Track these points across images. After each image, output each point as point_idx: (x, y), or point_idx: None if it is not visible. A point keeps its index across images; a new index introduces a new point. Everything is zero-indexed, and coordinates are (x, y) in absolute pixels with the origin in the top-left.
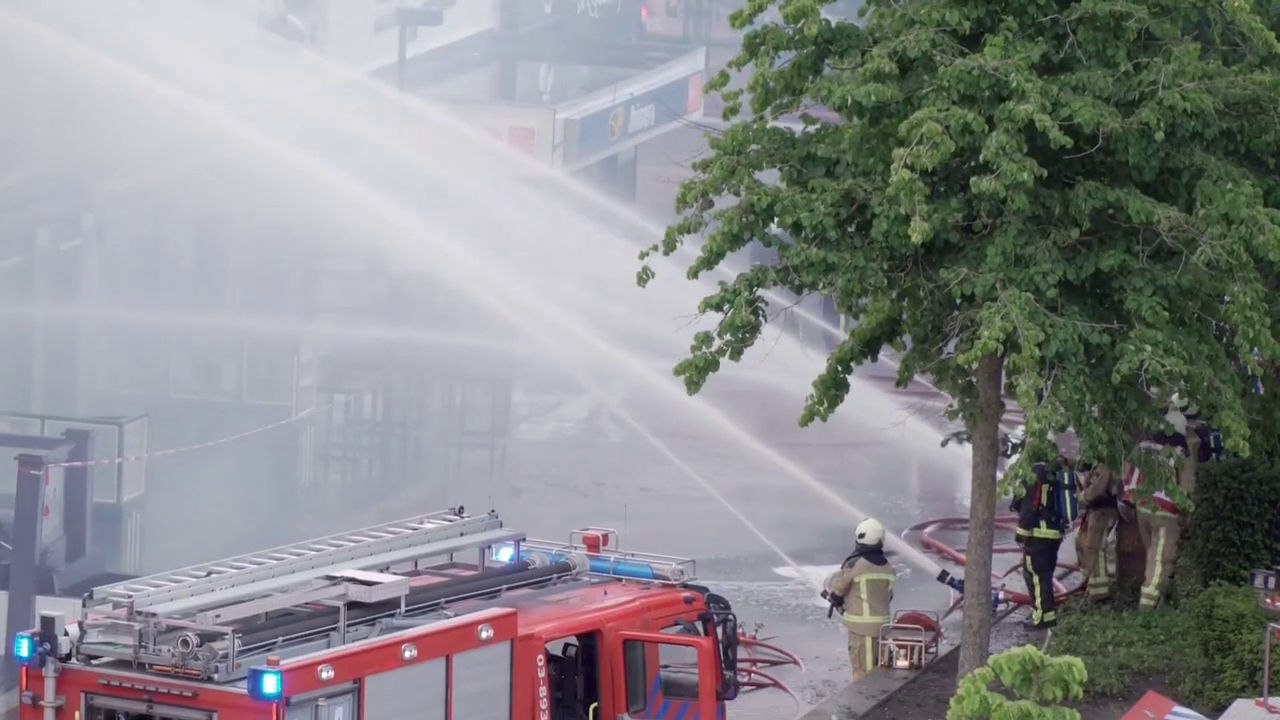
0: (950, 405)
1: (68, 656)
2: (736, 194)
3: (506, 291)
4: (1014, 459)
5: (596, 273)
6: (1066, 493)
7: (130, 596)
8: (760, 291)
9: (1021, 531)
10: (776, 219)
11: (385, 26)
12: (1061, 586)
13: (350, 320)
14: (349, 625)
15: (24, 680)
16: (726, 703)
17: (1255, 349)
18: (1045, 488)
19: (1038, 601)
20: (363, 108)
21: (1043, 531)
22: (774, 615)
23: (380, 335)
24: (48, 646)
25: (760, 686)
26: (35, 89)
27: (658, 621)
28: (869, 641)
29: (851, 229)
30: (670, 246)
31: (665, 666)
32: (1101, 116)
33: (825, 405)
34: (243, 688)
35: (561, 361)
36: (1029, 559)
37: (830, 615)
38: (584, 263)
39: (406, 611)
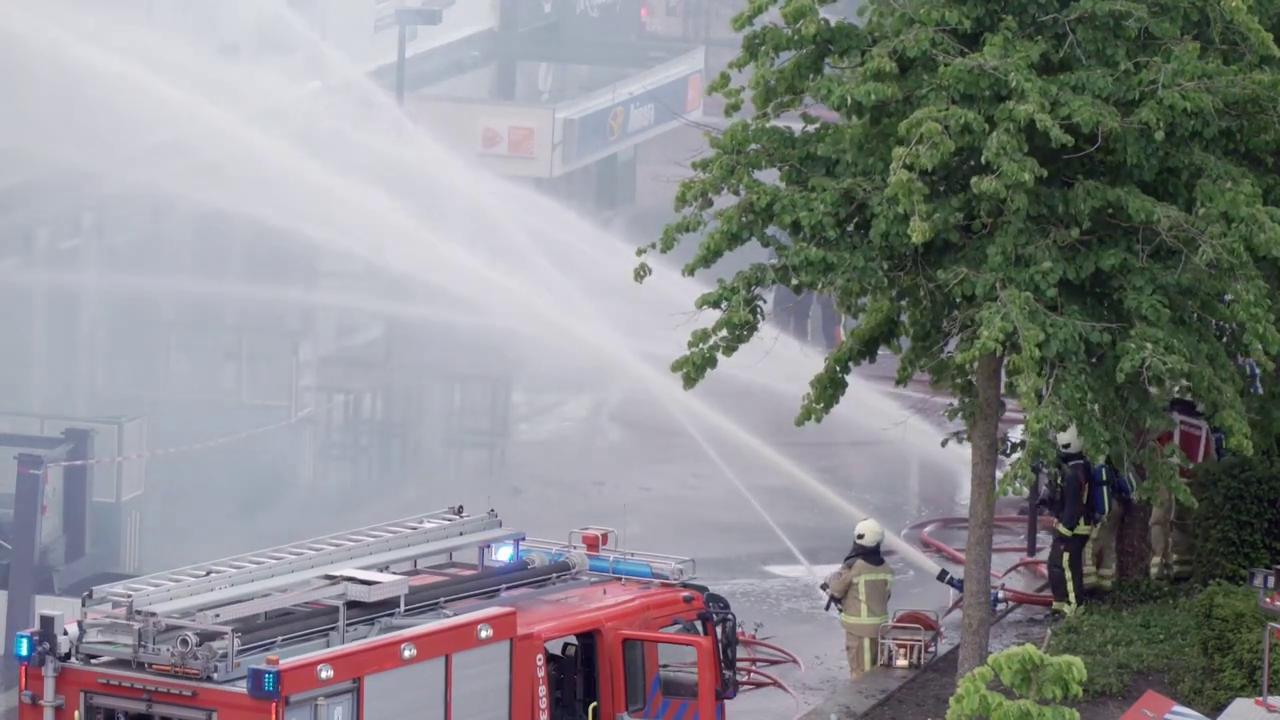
0: (950, 405)
1: (67, 656)
2: (736, 193)
3: (504, 291)
4: (1014, 458)
5: (594, 272)
6: (1104, 488)
7: (129, 596)
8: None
9: (1065, 531)
10: (776, 218)
11: (384, 26)
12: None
13: (351, 300)
14: (348, 625)
15: (23, 679)
16: (726, 702)
17: (1262, 345)
18: (1085, 484)
19: (1072, 597)
20: (360, 108)
21: (1080, 529)
22: (773, 615)
23: (380, 309)
24: (47, 646)
25: (760, 686)
26: (35, 89)
27: (657, 621)
28: (867, 642)
29: (851, 229)
30: (668, 244)
31: (665, 666)
32: (1101, 116)
33: (822, 405)
34: (242, 687)
35: (561, 359)
36: (1068, 555)
37: (828, 608)
38: (583, 262)
39: (406, 611)
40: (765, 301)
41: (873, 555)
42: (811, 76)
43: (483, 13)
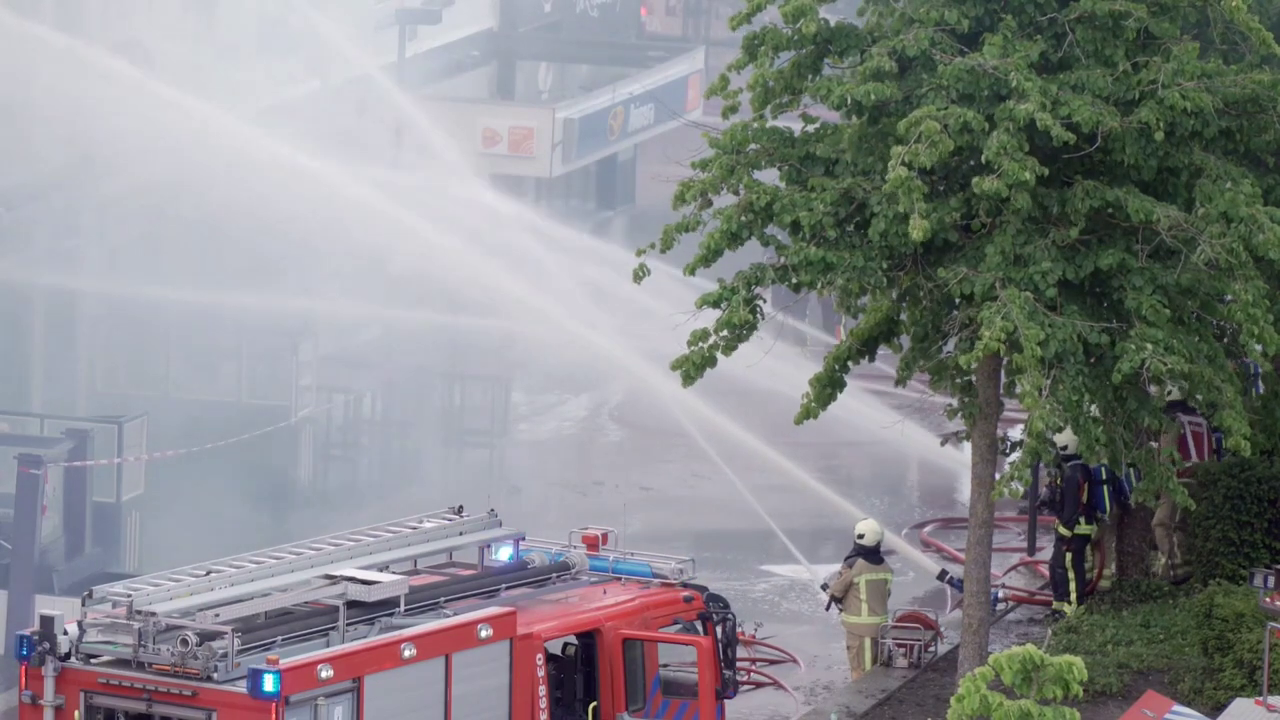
0: (950, 404)
1: (67, 655)
2: (735, 193)
3: (505, 290)
4: (1012, 458)
5: (594, 272)
6: (1105, 488)
7: (129, 595)
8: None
9: (1064, 531)
10: (775, 218)
11: (384, 26)
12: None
13: (350, 303)
14: (348, 624)
15: (23, 679)
16: (726, 702)
17: (1260, 345)
18: (1084, 484)
19: (1073, 597)
20: (361, 107)
21: (1082, 528)
22: (773, 615)
23: (381, 314)
24: (47, 645)
25: (760, 686)
26: (35, 89)
27: (657, 621)
28: (867, 642)
29: (850, 228)
30: (668, 245)
31: (665, 665)
32: (1100, 116)
33: (819, 403)
34: (242, 687)
35: (561, 354)
36: (1070, 555)
37: (828, 608)
38: (582, 262)
39: (406, 611)
40: (765, 301)
41: (873, 555)
42: (810, 77)
43: (483, 13)
